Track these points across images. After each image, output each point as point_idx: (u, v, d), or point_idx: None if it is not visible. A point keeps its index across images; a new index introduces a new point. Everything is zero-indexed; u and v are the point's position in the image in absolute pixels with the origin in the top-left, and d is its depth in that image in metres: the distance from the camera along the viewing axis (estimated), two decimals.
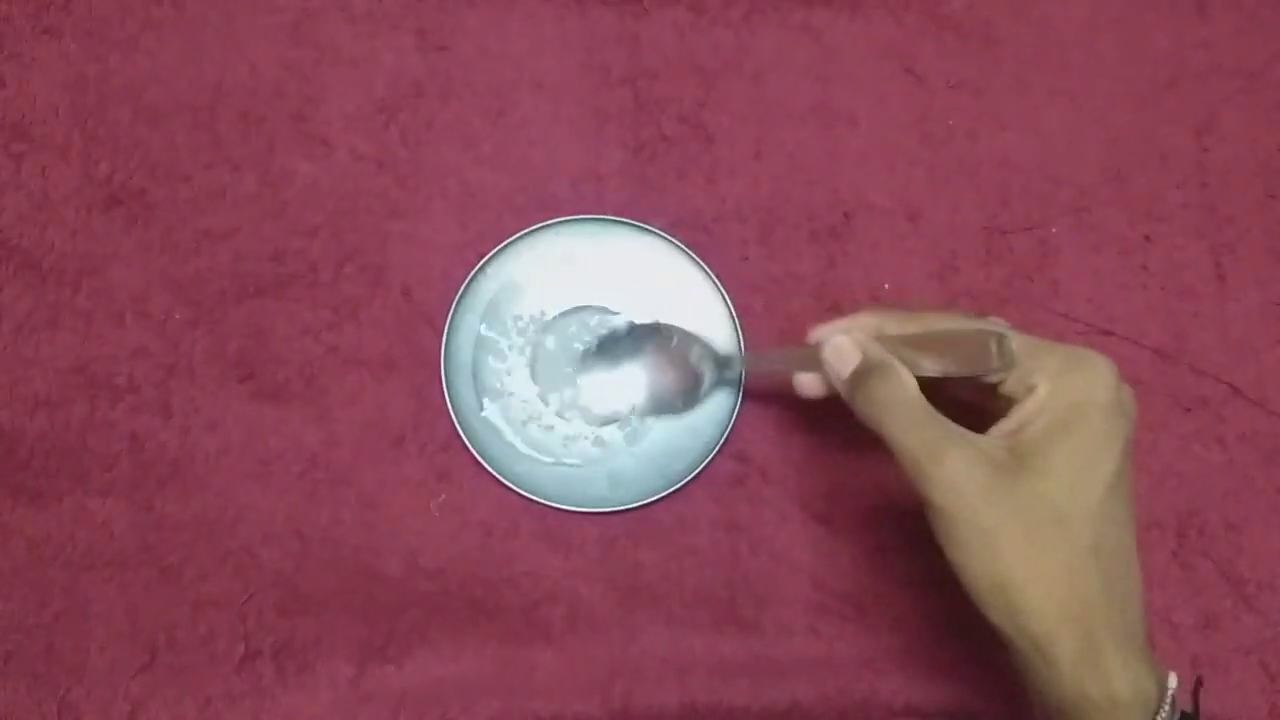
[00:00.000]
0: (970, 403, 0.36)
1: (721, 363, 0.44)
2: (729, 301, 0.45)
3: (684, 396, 0.45)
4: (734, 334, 0.45)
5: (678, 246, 0.46)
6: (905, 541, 0.45)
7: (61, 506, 0.44)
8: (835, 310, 0.47)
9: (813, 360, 0.38)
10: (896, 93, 0.49)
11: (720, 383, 0.44)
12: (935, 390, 0.34)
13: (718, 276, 0.45)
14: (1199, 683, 0.34)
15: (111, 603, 0.43)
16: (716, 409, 0.45)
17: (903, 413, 0.34)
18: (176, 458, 0.44)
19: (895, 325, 0.37)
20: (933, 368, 0.35)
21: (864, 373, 0.35)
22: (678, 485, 0.44)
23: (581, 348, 0.45)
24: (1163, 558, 0.46)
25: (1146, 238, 0.48)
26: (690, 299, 0.46)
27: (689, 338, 0.45)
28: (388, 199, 0.47)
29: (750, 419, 0.45)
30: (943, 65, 0.49)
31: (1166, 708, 0.31)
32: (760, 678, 0.44)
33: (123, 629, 0.43)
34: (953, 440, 0.33)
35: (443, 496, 0.45)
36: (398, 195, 0.47)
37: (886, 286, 0.47)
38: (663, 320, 0.45)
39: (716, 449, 0.44)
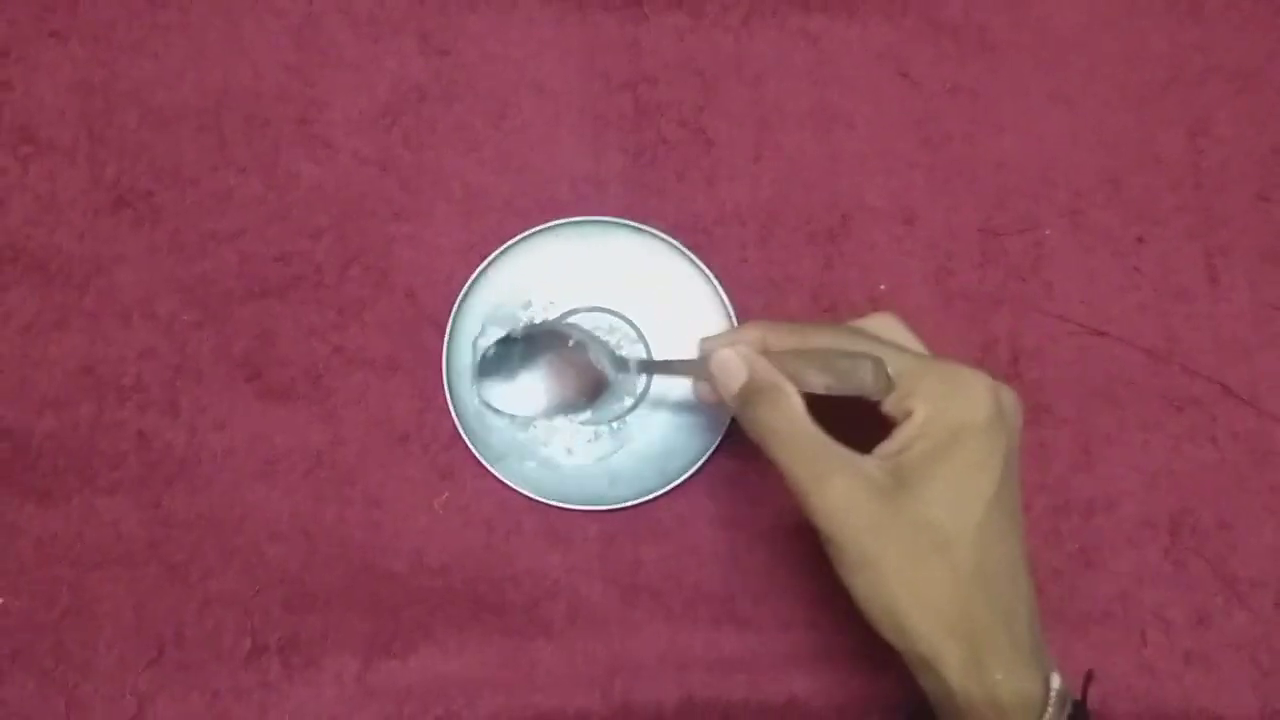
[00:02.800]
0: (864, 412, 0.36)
1: (619, 364, 0.44)
2: (728, 303, 0.46)
3: (587, 396, 0.44)
4: None
5: (678, 249, 0.46)
6: None
7: (70, 505, 0.44)
8: (832, 311, 0.47)
9: (703, 370, 0.38)
10: (893, 96, 0.49)
11: (626, 383, 0.44)
12: (825, 398, 0.35)
13: (717, 278, 0.46)
14: (1089, 677, 0.35)
15: (119, 600, 0.44)
16: (715, 407, 0.45)
17: (788, 437, 0.34)
18: (184, 457, 0.45)
19: (779, 339, 0.37)
20: (817, 383, 0.35)
21: (751, 393, 0.35)
22: (676, 483, 0.44)
23: (480, 354, 0.45)
24: (1155, 556, 0.46)
25: (1140, 239, 0.49)
26: (690, 300, 0.46)
27: (588, 337, 0.44)
28: (391, 201, 0.47)
29: None
30: (939, 69, 0.50)
31: (1051, 709, 0.32)
32: (758, 673, 0.44)
33: (130, 626, 0.44)
34: (835, 466, 0.33)
35: (446, 495, 0.45)
36: (401, 198, 0.47)
37: (883, 287, 0.48)
38: (567, 321, 0.46)
39: (715, 447, 0.45)
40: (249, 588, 0.44)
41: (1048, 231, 0.49)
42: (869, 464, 0.33)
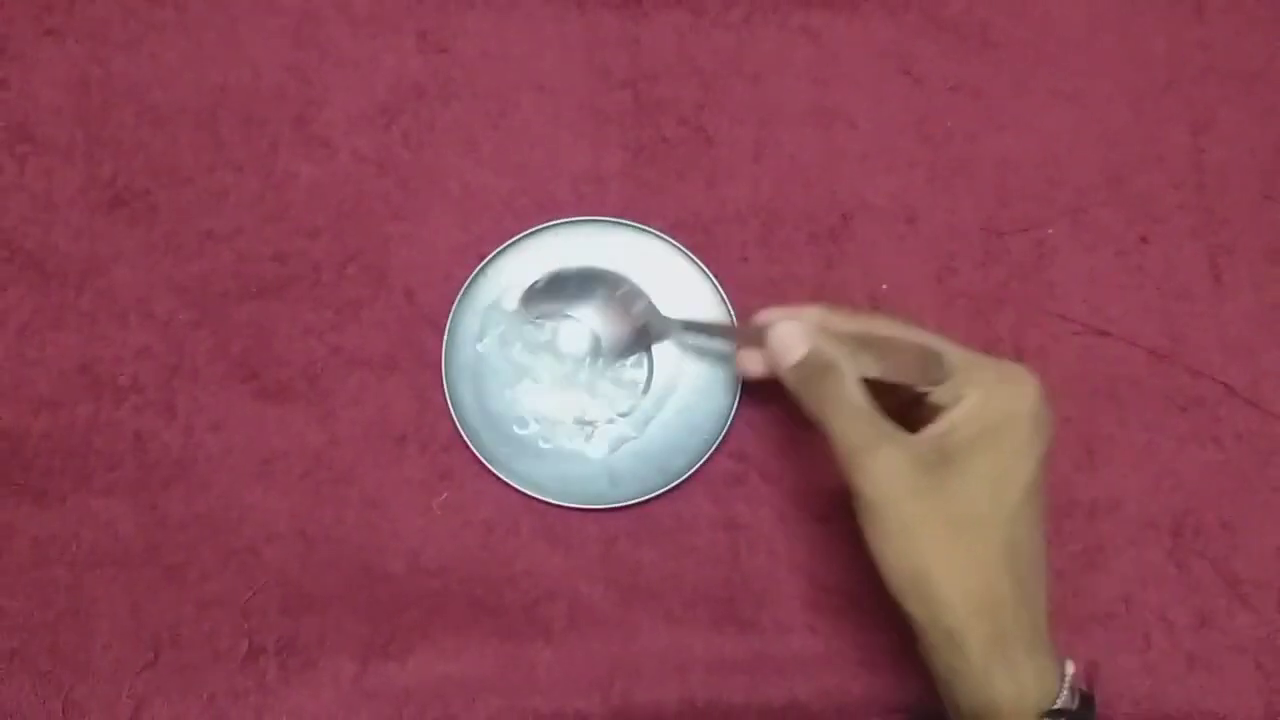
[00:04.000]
0: (893, 410, 0.37)
1: (661, 322, 0.44)
2: (728, 303, 0.45)
3: (627, 346, 0.45)
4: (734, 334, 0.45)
5: (677, 248, 0.46)
6: None
7: (66, 506, 0.44)
8: None
9: (755, 338, 0.39)
10: (895, 94, 0.49)
11: (655, 341, 0.45)
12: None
13: (717, 278, 0.46)
14: (1094, 668, 0.37)
15: (116, 601, 0.44)
16: (716, 406, 0.45)
17: (844, 407, 0.35)
18: (180, 458, 0.45)
19: (840, 322, 0.38)
20: (871, 369, 0.36)
21: (811, 364, 0.37)
22: (677, 482, 0.44)
23: (530, 283, 0.45)
24: (1158, 557, 0.46)
25: (1143, 239, 0.49)
26: (690, 300, 0.46)
27: (637, 290, 0.45)
28: (389, 200, 0.47)
29: (749, 417, 0.46)
30: (941, 67, 0.49)
31: (1065, 691, 0.33)
32: (759, 675, 0.44)
33: (127, 627, 0.44)
34: (887, 437, 0.35)
35: (444, 495, 0.45)
36: (399, 197, 0.47)
37: (885, 287, 0.48)
38: (614, 271, 0.46)
39: (715, 445, 0.44)
40: (246, 589, 0.44)
41: (1050, 230, 0.48)
42: (917, 440, 0.35)
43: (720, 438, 0.44)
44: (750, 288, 0.47)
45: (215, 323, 0.46)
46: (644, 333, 0.45)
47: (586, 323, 0.45)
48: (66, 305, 0.46)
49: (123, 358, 0.45)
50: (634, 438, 0.46)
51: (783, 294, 0.47)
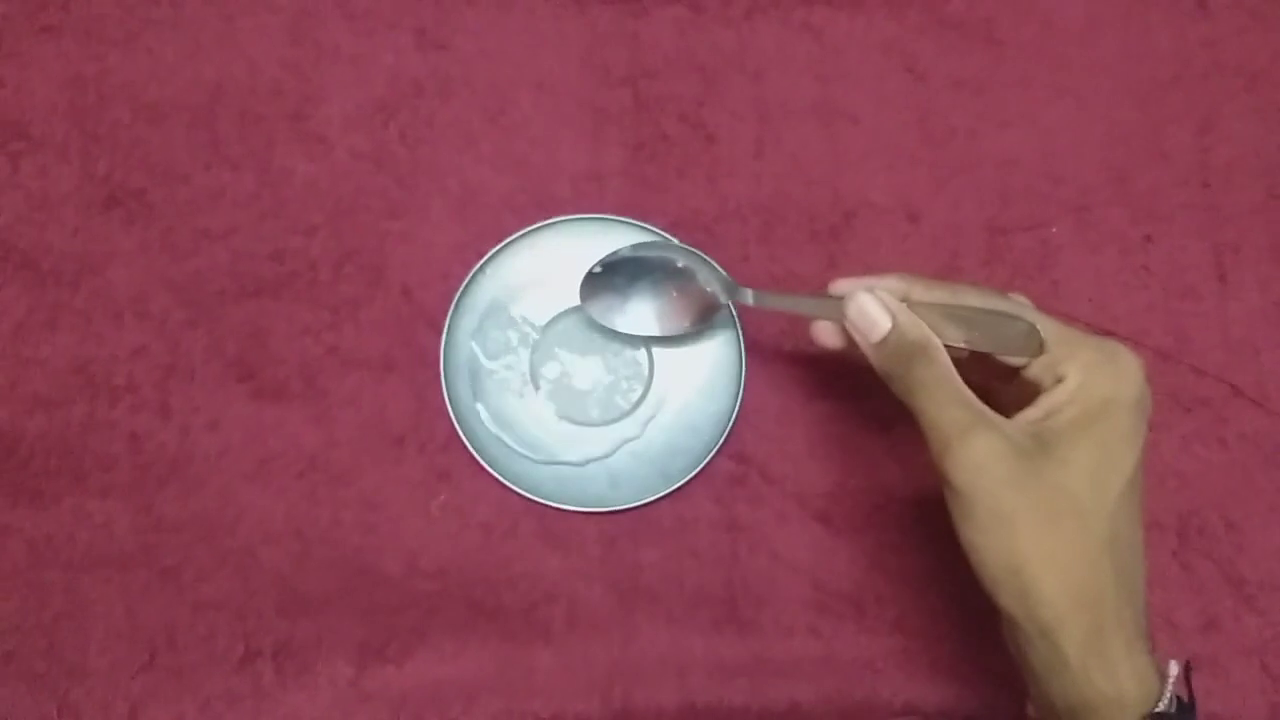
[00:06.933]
0: (979, 385, 0.35)
1: (731, 289, 0.42)
2: (729, 303, 0.45)
3: (693, 320, 0.43)
4: (735, 333, 0.45)
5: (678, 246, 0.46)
6: (905, 541, 0.45)
7: (61, 507, 0.44)
8: None
9: (832, 310, 0.37)
10: (897, 91, 0.49)
11: (726, 312, 0.43)
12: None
13: None
14: (1188, 667, 0.34)
15: (111, 603, 0.43)
16: (717, 408, 0.45)
17: (937, 390, 0.33)
18: (176, 458, 0.44)
19: (922, 291, 0.36)
20: (957, 338, 0.34)
21: (900, 345, 0.34)
22: (677, 484, 0.44)
23: (587, 270, 0.44)
24: (1163, 557, 0.45)
25: (1148, 237, 0.48)
26: None
27: (697, 261, 0.43)
28: (387, 198, 0.47)
29: (750, 418, 0.45)
30: (944, 64, 0.49)
31: (1168, 696, 0.31)
32: (759, 678, 0.44)
33: (122, 629, 0.43)
34: (982, 422, 0.32)
35: (442, 497, 0.45)
36: (397, 195, 0.47)
37: None
38: (673, 240, 0.45)
39: (716, 448, 0.44)
40: (242, 591, 0.44)
41: (1054, 229, 0.48)
42: (1013, 426, 0.33)
43: (721, 440, 0.44)
44: (751, 286, 0.46)
45: (211, 322, 0.46)
46: (714, 301, 0.43)
47: (645, 304, 0.44)
48: (61, 304, 0.45)
49: (118, 357, 0.45)
50: (634, 438, 0.45)
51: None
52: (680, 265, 0.43)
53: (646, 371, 0.46)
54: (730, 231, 0.47)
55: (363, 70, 0.48)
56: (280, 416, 0.45)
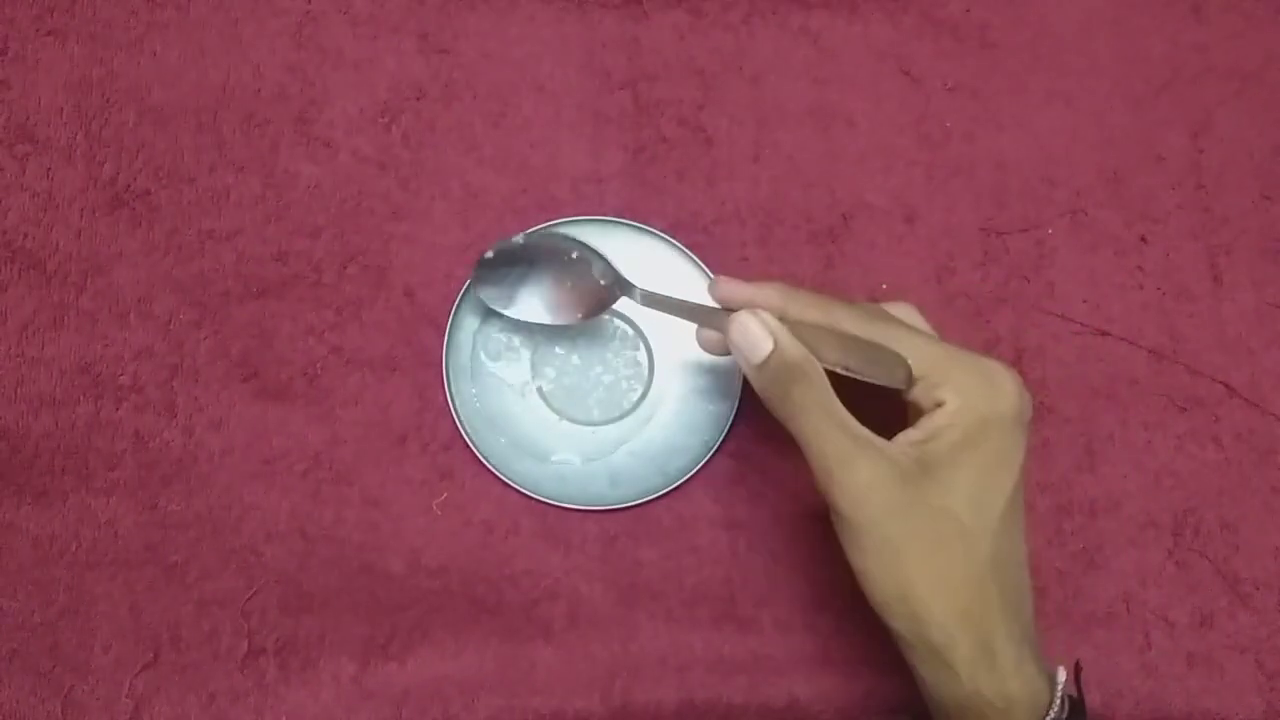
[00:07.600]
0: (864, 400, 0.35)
1: (624, 287, 0.42)
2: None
3: (584, 311, 0.43)
4: None
5: (677, 248, 0.46)
6: None
7: (66, 505, 0.44)
8: None
9: (716, 320, 0.36)
10: (894, 94, 0.49)
11: (615, 301, 0.43)
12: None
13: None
14: (1078, 668, 0.35)
15: (116, 601, 0.44)
16: (716, 407, 0.45)
17: (817, 415, 0.33)
18: (180, 457, 0.45)
19: (800, 310, 0.36)
20: (835, 362, 0.34)
21: (780, 368, 0.34)
22: (677, 483, 0.44)
23: (480, 256, 0.44)
24: (1158, 557, 0.46)
25: (1142, 239, 0.49)
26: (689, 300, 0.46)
27: (592, 254, 0.43)
28: (390, 200, 0.47)
29: (750, 417, 0.46)
30: (940, 67, 0.50)
31: (1058, 703, 0.33)
32: (759, 675, 0.44)
33: (127, 627, 0.44)
34: (864, 450, 0.33)
35: (444, 495, 0.45)
36: (400, 196, 0.47)
37: (884, 286, 0.48)
38: (567, 234, 0.44)
39: (716, 447, 0.44)
40: (246, 589, 0.44)
41: (1049, 230, 0.48)
42: (895, 450, 0.33)
43: (720, 439, 0.44)
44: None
45: (216, 322, 0.46)
46: (606, 295, 0.42)
47: (536, 290, 0.43)
48: (67, 305, 0.46)
49: (123, 357, 0.45)
50: (634, 438, 0.46)
51: None
52: (574, 257, 0.43)
53: (646, 371, 0.46)
54: (729, 233, 0.48)
55: (366, 74, 0.48)
56: (284, 416, 0.45)
